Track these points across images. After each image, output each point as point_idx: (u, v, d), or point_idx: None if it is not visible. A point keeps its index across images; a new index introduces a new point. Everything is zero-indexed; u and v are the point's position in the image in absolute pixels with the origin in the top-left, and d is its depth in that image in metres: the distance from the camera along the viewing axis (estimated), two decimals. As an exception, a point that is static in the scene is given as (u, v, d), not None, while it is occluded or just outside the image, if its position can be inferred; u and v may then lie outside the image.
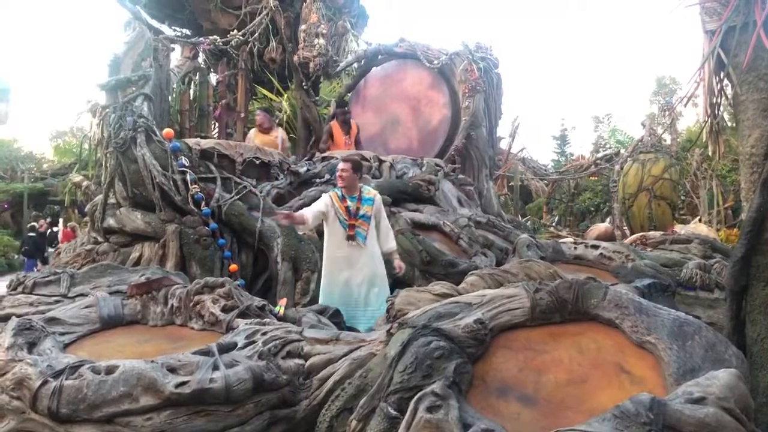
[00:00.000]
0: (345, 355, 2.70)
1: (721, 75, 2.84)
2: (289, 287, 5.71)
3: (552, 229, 15.58)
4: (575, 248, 5.28)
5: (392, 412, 2.21)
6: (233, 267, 5.75)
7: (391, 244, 5.34)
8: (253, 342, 2.74)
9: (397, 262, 5.29)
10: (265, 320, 3.10)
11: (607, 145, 24.32)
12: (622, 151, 16.32)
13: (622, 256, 4.90)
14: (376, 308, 4.98)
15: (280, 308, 3.51)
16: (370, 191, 5.32)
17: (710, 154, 3.28)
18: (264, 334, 2.79)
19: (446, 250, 6.27)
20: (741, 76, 2.74)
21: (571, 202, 18.65)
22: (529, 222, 14.80)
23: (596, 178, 18.31)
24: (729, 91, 2.94)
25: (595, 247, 5.22)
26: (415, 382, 2.26)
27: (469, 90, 8.83)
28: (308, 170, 7.16)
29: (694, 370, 2.23)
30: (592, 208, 18.16)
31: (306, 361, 2.76)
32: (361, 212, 5.14)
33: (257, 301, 3.45)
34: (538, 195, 19.98)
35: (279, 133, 8.64)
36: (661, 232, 7.88)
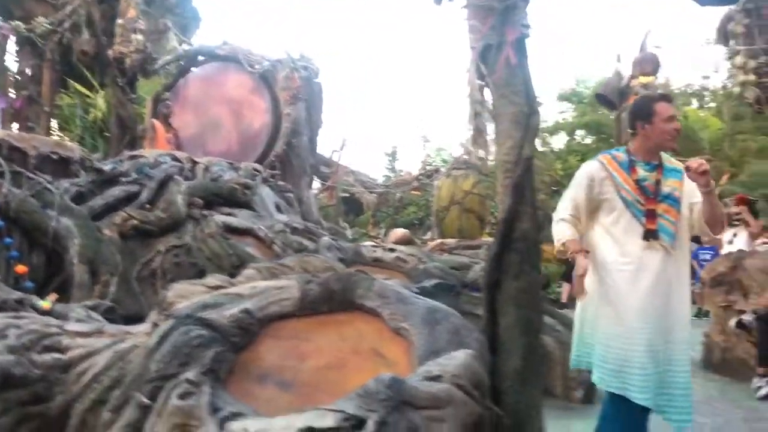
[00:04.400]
0: (107, 347, 2.60)
1: (482, 89, 3.13)
2: (86, 290, 5.36)
3: (376, 240, 16.10)
4: (374, 251, 5.53)
5: (144, 400, 2.17)
6: (21, 268, 5.25)
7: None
8: (5, 336, 2.55)
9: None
10: (20, 314, 2.90)
11: (434, 163, 25.65)
12: (442, 168, 17.32)
13: (416, 259, 5.21)
14: (685, 371, 2.99)
15: (47, 302, 3.29)
16: (671, 159, 3.27)
17: (478, 163, 3.59)
18: (18, 327, 2.60)
19: (259, 254, 6.23)
20: (498, 91, 3.03)
21: (396, 215, 19.43)
22: (352, 232, 15.18)
23: (420, 193, 19.26)
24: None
25: (393, 250, 5.50)
26: (171, 370, 2.23)
27: (290, 97, 8.95)
28: (114, 168, 6.78)
29: (438, 352, 2.42)
30: (416, 221, 19.06)
31: (66, 356, 2.62)
32: (666, 190, 3.11)
33: (16, 295, 3.22)
34: (369, 208, 20.61)
35: None
36: (457, 239, 8.42)
